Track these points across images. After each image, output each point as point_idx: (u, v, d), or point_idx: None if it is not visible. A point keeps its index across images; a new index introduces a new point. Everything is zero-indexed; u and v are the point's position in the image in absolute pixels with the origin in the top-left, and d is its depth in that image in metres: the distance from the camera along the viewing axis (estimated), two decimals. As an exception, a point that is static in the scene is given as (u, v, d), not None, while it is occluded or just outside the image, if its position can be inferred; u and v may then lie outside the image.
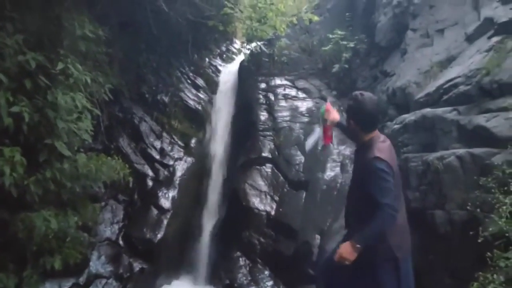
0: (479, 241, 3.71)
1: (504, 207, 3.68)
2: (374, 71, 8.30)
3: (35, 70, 4.65)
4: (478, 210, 4.18)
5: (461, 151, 4.75)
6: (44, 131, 4.78)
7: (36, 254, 4.87)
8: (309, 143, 3.51)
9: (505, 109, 4.65)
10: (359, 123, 3.16)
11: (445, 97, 5.47)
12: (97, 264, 6.44)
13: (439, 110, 5.36)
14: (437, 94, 5.62)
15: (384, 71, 7.79)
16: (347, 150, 7.93)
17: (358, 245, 2.91)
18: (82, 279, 6.13)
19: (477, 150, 4.62)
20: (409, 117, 5.77)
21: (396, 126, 5.92)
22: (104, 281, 6.35)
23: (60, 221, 4.86)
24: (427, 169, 5.10)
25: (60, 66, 4.78)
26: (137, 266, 6.91)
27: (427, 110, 5.54)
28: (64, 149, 4.82)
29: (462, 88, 5.30)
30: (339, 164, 7.70)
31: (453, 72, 5.71)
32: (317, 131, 3.50)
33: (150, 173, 7.97)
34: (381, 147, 3.08)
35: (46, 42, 5.08)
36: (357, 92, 3.23)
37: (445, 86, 5.53)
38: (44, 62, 4.78)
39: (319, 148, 7.98)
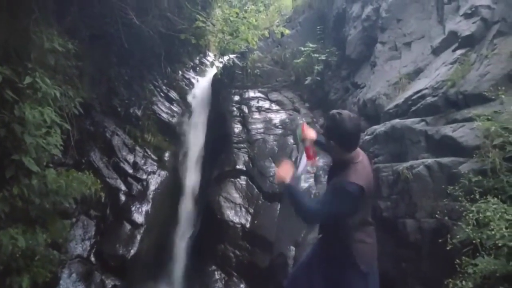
0: (448, 248, 3.80)
1: (471, 215, 3.78)
2: (346, 83, 8.45)
3: (1, 84, 4.55)
4: (447, 218, 4.28)
5: (429, 160, 4.87)
6: (11, 146, 4.66)
7: (3, 274, 4.70)
8: (300, 169, 3.35)
9: (470, 120, 4.79)
10: (338, 143, 3.02)
11: (413, 108, 5.61)
12: (68, 282, 6.27)
13: (408, 121, 5.49)
14: (406, 105, 5.76)
15: (355, 83, 7.95)
16: (321, 161, 7.99)
17: (287, 184, 3.14)
18: (51, 299, 5.94)
19: (444, 160, 4.74)
20: (380, 128, 5.89)
21: (367, 137, 6.03)
22: (75, 299, 6.19)
23: (28, 239, 4.72)
24: (397, 178, 5.19)
25: (27, 80, 4.69)
26: (109, 283, 6.77)
27: (397, 121, 5.66)
28: (32, 164, 4.70)
29: (429, 99, 5.45)
30: (313, 175, 7.75)
31: (421, 84, 5.88)
32: (303, 155, 3.37)
33: (123, 187, 7.85)
34: (358, 169, 3.00)
35: (14, 55, 4.99)
36: (335, 112, 3.07)
37: (413, 98, 5.68)
38: (11, 75, 4.69)
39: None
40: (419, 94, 5.67)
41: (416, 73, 6.38)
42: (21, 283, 4.72)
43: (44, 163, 5.13)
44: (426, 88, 5.61)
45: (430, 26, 6.64)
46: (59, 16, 6.14)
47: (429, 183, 4.78)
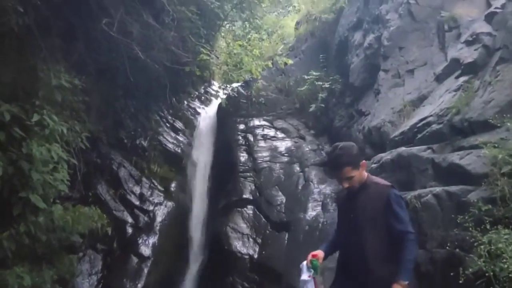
0: (461, 281, 3.72)
1: (482, 246, 3.72)
2: (350, 110, 8.49)
3: (9, 122, 4.58)
4: (458, 249, 4.20)
5: (438, 189, 4.83)
6: (19, 183, 4.66)
7: (8, 315, 4.63)
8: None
9: (477, 147, 4.78)
10: (354, 163, 2.96)
11: (419, 135, 5.61)
12: (75, 319, 6.17)
13: (415, 149, 5.48)
14: (411, 132, 5.76)
15: (359, 110, 7.98)
16: (327, 189, 7.96)
17: (407, 282, 2.74)
18: (57, 338, 5.82)
19: (453, 188, 4.70)
20: (386, 156, 5.87)
21: (373, 165, 6.00)
22: (82, 337, 6.08)
23: (34, 277, 4.67)
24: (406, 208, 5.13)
25: (35, 117, 4.74)
26: (116, 319, 6.65)
27: (403, 149, 5.65)
28: (39, 201, 4.70)
29: (434, 126, 5.45)
30: (320, 203, 7.69)
31: (426, 111, 5.89)
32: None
33: (130, 219, 7.81)
34: (375, 176, 3.13)
35: (21, 93, 5.06)
36: (336, 145, 3.10)
37: (418, 125, 5.69)
38: (19, 113, 4.74)
39: (300, 188, 8.04)
40: (424, 122, 5.67)
41: (420, 100, 6.40)
42: (27, 323, 4.64)
43: (51, 199, 5.11)
44: (431, 116, 5.62)
45: (432, 53, 6.70)
46: (66, 52, 6.24)
47: (438, 212, 4.73)
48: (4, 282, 4.32)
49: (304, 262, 3.13)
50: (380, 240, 2.90)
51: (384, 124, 6.58)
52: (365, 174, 3.07)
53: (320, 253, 3.11)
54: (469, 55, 5.82)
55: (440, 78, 6.27)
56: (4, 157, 4.52)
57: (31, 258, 4.98)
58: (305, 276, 3.06)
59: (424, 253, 4.70)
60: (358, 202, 3.01)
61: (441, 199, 4.72)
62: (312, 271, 3.04)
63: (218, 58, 7.44)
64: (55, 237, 5.09)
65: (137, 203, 8.12)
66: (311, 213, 7.55)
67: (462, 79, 5.75)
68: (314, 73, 9.57)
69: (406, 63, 7.03)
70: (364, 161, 3.04)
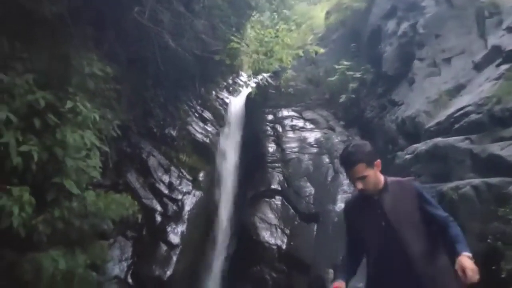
0: (503, 276, 3.56)
1: (527, 240, 3.55)
2: (382, 100, 8.27)
3: (44, 108, 4.65)
4: (500, 242, 4.02)
5: (477, 180, 4.65)
6: (53, 169, 4.73)
7: (44, 296, 4.73)
8: None
9: (518, 137, 4.56)
10: (370, 164, 2.77)
11: (456, 125, 5.41)
12: (106, 304, 6.27)
13: (451, 139, 5.29)
14: (448, 123, 5.56)
15: (392, 100, 7.77)
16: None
17: (470, 254, 2.53)
18: (91, 320, 5.94)
19: (493, 180, 4.52)
20: (421, 146, 5.70)
21: (407, 156, 5.84)
22: (113, 321, 6.17)
23: (68, 261, 4.74)
24: (441, 199, 4.96)
25: (69, 104, 4.78)
26: (146, 305, 6.73)
27: (439, 140, 5.46)
28: (73, 187, 4.76)
29: (473, 116, 5.24)
30: (350, 195, 7.55)
31: (463, 100, 5.67)
32: None
33: (159, 208, 7.86)
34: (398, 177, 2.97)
35: (55, 81, 5.11)
36: (348, 143, 2.96)
37: (456, 115, 5.48)
38: (53, 100, 4.80)
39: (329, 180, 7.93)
40: (462, 111, 5.46)
41: (457, 90, 6.17)
42: (61, 306, 4.74)
43: (84, 185, 5.18)
44: (470, 105, 5.40)
45: (471, 41, 6.44)
46: (97, 41, 6.30)
47: (476, 204, 4.56)
48: (40, 265, 4.40)
49: None
50: (423, 238, 2.72)
51: (418, 114, 6.37)
52: (381, 176, 2.84)
53: (342, 284, 2.83)
54: (511, 42, 5.56)
55: (479, 67, 6.02)
56: (39, 143, 4.59)
57: (64, 243, 5.06)
58: None
59: (462, 246, 4.54)
60: (385, 206, 2.78)
61: (480, 191, 4.54)
62: None
63: (248, 46, 7.36)
64: (87, 223, 5.15)
65: (166, 192, 8.16)
66: (340, 205, 7.43)
67: (503, 67, 5.50)
68: (345, 63, 9.37)
69: (442, 52, 6.78)
70: (379, 160, 2.80)
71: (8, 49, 4.75)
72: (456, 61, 6.50)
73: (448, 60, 6.64)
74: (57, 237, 4.91)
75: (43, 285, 4.60)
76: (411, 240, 2.70)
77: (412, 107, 6.69)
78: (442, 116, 5.75)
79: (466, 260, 2.42)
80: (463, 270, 2.38)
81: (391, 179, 2.88)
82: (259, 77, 9.80)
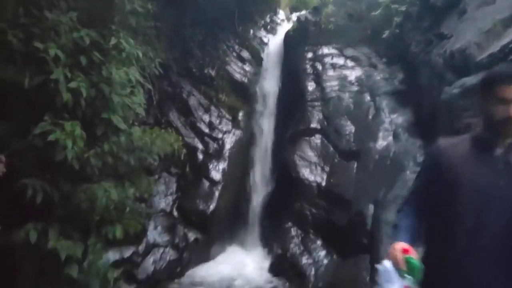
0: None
1: None
2: (428, 35, 7.84)
3: (89, 46, 4.72)
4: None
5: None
6: (100, 105, 4.87)
7: (99, 224, 5.06)
8: None
9: None
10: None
11: (510, 57, 5.09)
12: (154, 234, 6.66)
13: (504, 72, 5.00)
14: (502, 54, 5.24)
15: (439, 34, 7.35)
16: (400, 118, 7.67)
17: None
18: (141, 248, 6.36)
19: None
20: (471, 80, 5.44)
21: (455, 91, 5.61)
22: (161, 249, 6.57)
23: (119, 192, 5.01)
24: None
25: (113, 41, 4.83)
26: (191, 236, 7.10)
27: (491, 72, 5.19)
28: (120, 122, 4.91)
29: (530, 47, 4.92)
30: (391, 133, 7.46)
31: (520, 30, 5.31)
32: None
33: (200, 146, 8.08)
34: None
35: (98, 19, 5.14)
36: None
37: (510, 46, 5.15)
38: (97, 38, 4.84)
39: (370, 118, 7.81)
40: (517, 42, 5.12)
41: (514, 19, 5.75)
42: (114, 233, 5.06)
43: (130, 121, 5.35)
44: (526, 35, 5.05)
45: (532, -35, 5.91)
46: (135, -22, 6.22)
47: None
48: (94, 196, 4.67)
49: (387, 262, 1.99)
50: None
51: (469, 46, 6.02)
52: None
53: (409, 247, 1.99)
54: None
55: (539, -7, 5.56)
56: (86, 80, 4.71)
57: (114, 176, 5.32)
58: (394, 285, 1.91)
59: None
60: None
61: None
62: (407, 276, 1.90)
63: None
64: (134, 157, 5.35)
65: (207, 130, 8.33)
66: (381, 143, 7.37)
67: None
68: (389, -4, 8.89)
69: (498, -22, 6.28)
70: None
71: (51, -14, 4.78)
72: (513, -12, 6.03)
73: (504, -12, 6.16)
74: (107, 170, 5.14)
75: (97, 214, 4.92)
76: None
77: (461, 39, 6.32)
78: (495, 47, 5.41)
79: None
80: None
81: None
82: (298, 13, 9.49)
